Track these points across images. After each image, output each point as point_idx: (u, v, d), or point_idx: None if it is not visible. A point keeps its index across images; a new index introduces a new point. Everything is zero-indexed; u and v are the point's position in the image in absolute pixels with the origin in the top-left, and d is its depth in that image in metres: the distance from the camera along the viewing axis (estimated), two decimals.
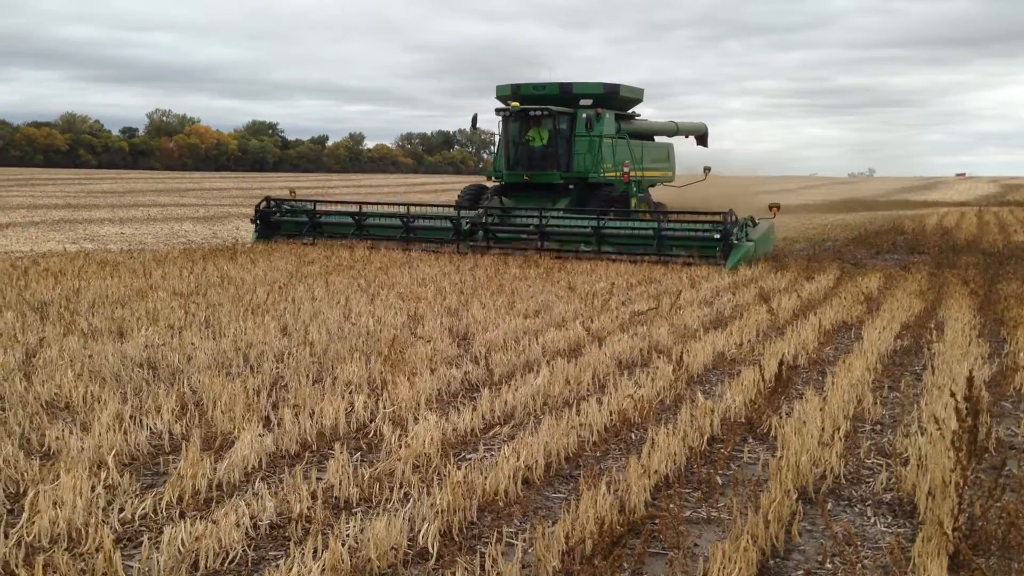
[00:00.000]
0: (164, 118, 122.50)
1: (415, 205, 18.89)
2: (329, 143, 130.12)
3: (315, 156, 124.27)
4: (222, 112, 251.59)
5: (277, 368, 7.30)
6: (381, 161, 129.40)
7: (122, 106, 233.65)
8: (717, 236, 15.29)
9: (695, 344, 8.47)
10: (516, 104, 19.60)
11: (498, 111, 19.95)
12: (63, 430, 5.42)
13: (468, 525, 4.42)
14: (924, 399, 6.58)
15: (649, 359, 8.02)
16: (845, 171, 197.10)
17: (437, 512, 4.36)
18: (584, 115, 19.49)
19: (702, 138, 25.89)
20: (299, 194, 21.22)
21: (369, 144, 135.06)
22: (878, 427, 6.28)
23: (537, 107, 19.55)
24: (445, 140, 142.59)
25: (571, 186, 19.65)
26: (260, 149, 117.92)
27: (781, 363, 6.46)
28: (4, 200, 34.93)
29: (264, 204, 18.86)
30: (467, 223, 17.25)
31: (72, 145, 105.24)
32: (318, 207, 18.83)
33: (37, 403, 6.09)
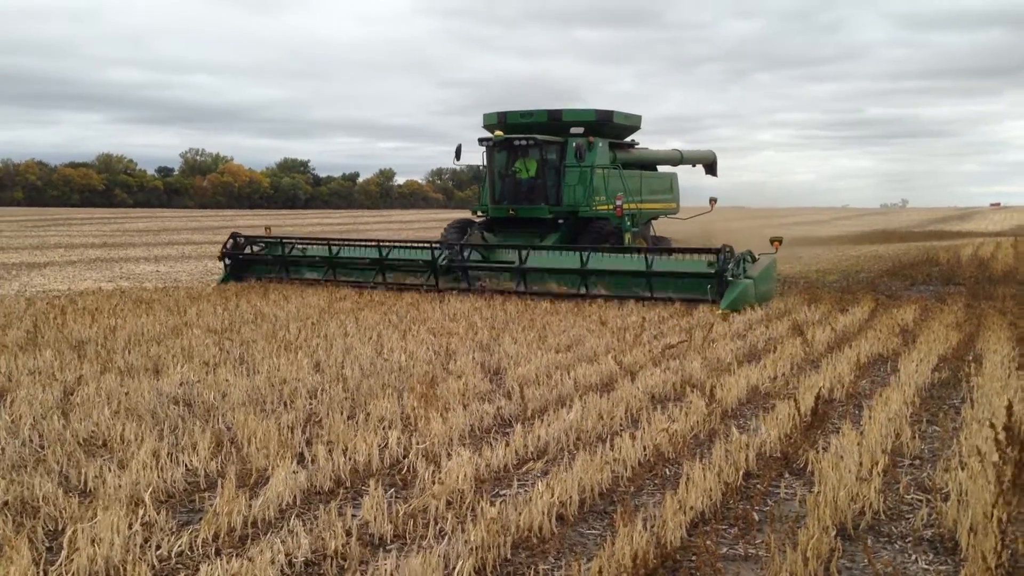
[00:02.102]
0: (198, 157, 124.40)
1: (390, 242, 17.09)
2: (360, 180, 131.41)
3: (346, 193, 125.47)
4: (255, 150, 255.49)
5: (311, 404, 7.34)
6: (411, 197, 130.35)
7: (159, 146, 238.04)
8: (711, 273, 13.81)
9: (728, 378, 8.40)
10: (500, 133, 18.42)
11: (481, 141, 18.62)
12: (101, 467, 5.47)
13: (503, 562, 4.40)
14: (963, 433, 6.47)
15: (682, 393, 7.97)
16: (878, 202, 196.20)
17: (472, 549, 4.35)
18: (575, 144, 18.00)
19: (711, 167, 24.27)
20: (329, 231, 21.05)
21: (399, 180, 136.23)
22: (917, 462, 6.18)
23: (523, 136, 18.21)
24: (475, 175, 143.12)
25: (561, 221, 18.21)
26: (292, 186, 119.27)
27: (817, 397, 6.40)
28: (42, 239, 35.57)
29: (231, 242, 17.72)
30: (443, 260, 15.96)
31: (108, 185, 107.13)
32: (293, 245, 17.59)
33: (75, 441, 6.17)
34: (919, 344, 10.46)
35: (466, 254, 16.11)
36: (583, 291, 14.65)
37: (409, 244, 17.25)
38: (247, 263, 17.72)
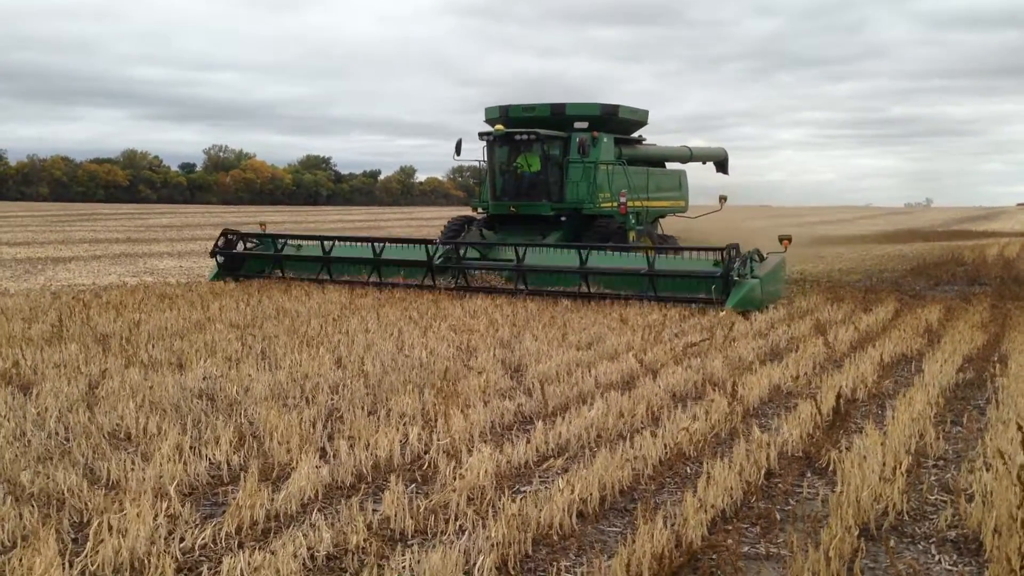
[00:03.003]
0: (221, 154, 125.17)
1: (384, 240, 16.56)
2: (381, 177, 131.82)
3: (367, 189, 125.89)
4: (278, 147, 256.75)
5: (332, 400, 7.37)
6: (432, 194, 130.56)
7: (182, 143, 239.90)
8: (716, 273, 13.20)
9: (750, 376, 8.37)
10: (500, 127, 17.72)
11: (481, 135, 18.04)
12: (125, 460, 5.52)
13: (523, 558, 4.41)
14: (988, 434, 6.42)
15: (703, 392, 7.94)
16: (901, 201, 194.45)
17: (492, 545, 4.36)
18: (578, 139, 17.44)
19: (722, 165, 23.57)
20: (351, 227, 20.76)
21: (421, 177, 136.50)
22: (941, 462, 6.13)
23: (524, 131, 17.62)
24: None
25: (563, 218, 17.70)
26: (313, 183, 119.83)
27: (839, 396, 6.36)
28: (68, 234, 35.92)
29: (223, 240, 17.19)
30: (440, 258, 15.35)
31: (132, 181, 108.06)
32: (286, 242, 17.18)
33: (100, 434, 6.23)
34: (943, 344, 10.38)
35: (463, 252, 15.61)
36: (582, 290, 14.10)
37: (405, 242, 16.92)
38: (240, 260, 17.22)
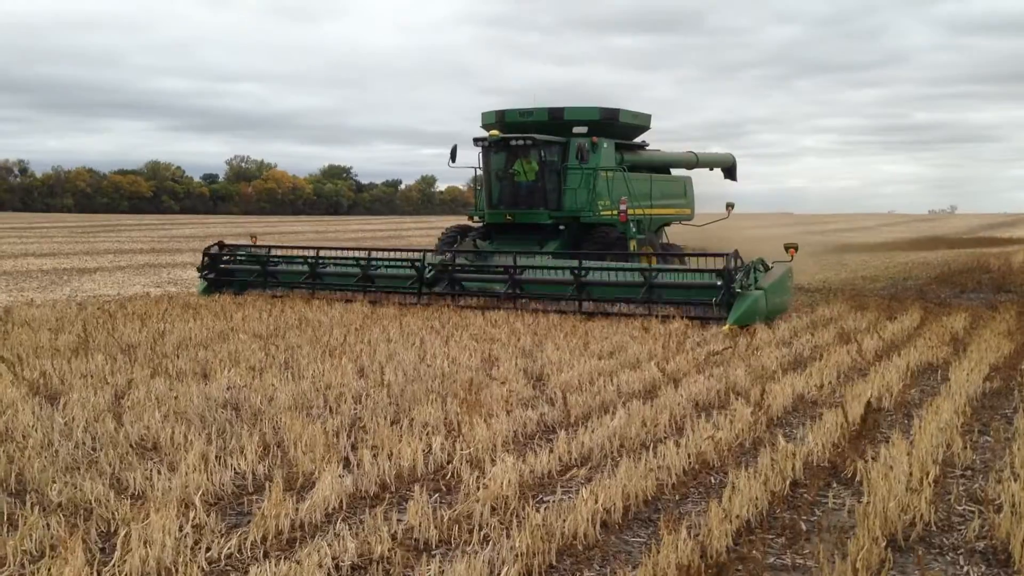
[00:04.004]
0: (243, 164, 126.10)
1: (380, 250, 16.20)
2: (402, 186, 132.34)
3: (388, 199, 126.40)
4: (299, 157, 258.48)
5: (355, 409, 7.40)
6: (453, 203, 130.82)
7: (205, 153, 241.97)
8: (717, 283, 12.43)
9: (774, 385, 8.32)
10: (495, 133, 17.20)
11: (476, 141, 17.30)
12: (151, 470, 5.57)
13: (548, 569, 4.40)
14: (1016, 443, 6.34)
15: (726, 401, 7.91)
16: (925, 207, 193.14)
17: (517, 555, 4.36)
18: (577, 144, 16.77)
19: (730, 171, 23.02)
20: (372, 236, 20.48)
21: (441, 186, 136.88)
22: (968, 472, 6.07)
23: (520, 136, 16.94)
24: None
25: (562, 227, 17.07)
26: (334, 193, 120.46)
27: (868, 405, 6.32)
28: (92, 245, 36.27)
29: (215, 250, 16.67)
30: (431, 270, 14.71)
31: (156, 192, 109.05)
32: (273, 253, 16.66)
33: (126, 443, 6.28)
34: (970, 353, 10.28)
35: (456, 264, 14.91)
36: (577, 303, 13.51)
37: (395, 253, 16.26)
38: (229, 274, 16.60)
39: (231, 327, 11.83)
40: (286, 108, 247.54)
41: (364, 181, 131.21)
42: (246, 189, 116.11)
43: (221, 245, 16.92)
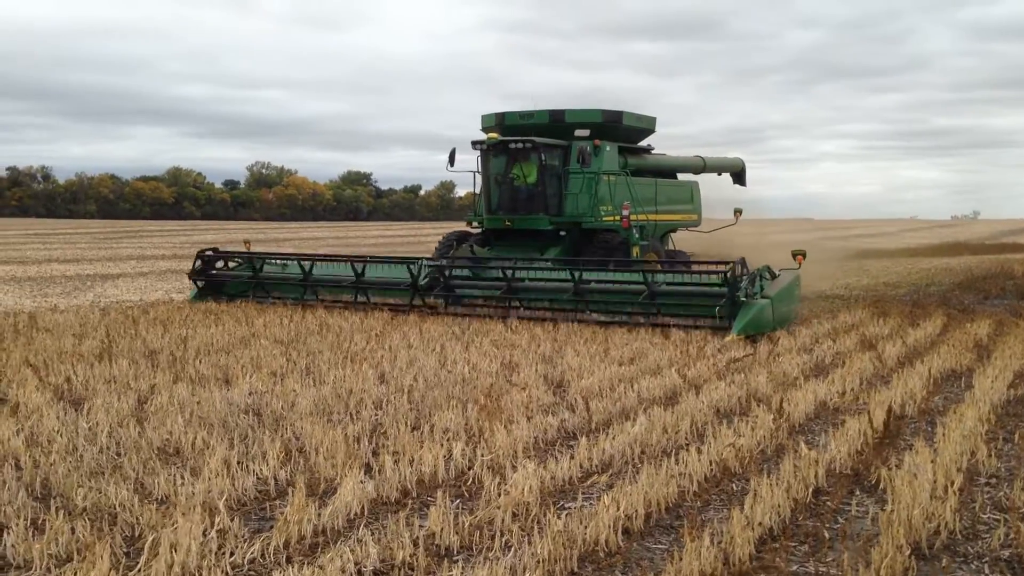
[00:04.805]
0: (264, 170, 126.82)
1: (371, 259, 15.67)
2: (422, 192, 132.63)
3: (408, 205, 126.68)
4: (319, 163, 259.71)
5: (376, 415, 7.42)
6: (472, 208, 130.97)
7: (226, 159, 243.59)
8: (721, 291, 12.07)
9: (795, 392, 8.28)
10: (494, 136, 16.77)
11: (474, 144, 16.87)
12: (175, 475, 5.61)
13: (569, 575, 4.39)
14: None
15: (748, 407, 7.87)
16: (947, 213, 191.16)
17: (538, 561, 4.36)
18: (578, 148, 16.30)
19: (739, 176, 22.37)
20: (391, 242, 20.19)
21: (460, 192, 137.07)
22: (993, 480, 6.02)
23: (519, 139, 16.45)
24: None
25: (563, 233, 16.69)
26: (354, 199, 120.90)
27: (889, 412, 6.28)
28: (115, 251, 36.58)
29: (204, 258, 16.27)
30: (425, 277, 14.29)
31: (177, 198, 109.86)
32: (266, 262, 16.30)
33: (150, 448, 6.32)
34: (994, 360, 10.19)
35: (451, 271, 14.57)
36: (577, 312, 13.20)
37: (390, 260, 15.82)
38: (221, 281, 16.32)
39: (252, 333, 11.89)
40: (307, 114, 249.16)
41: (384, 187, 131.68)
42: (267, 195, 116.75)
43: (208, 251, 16.53)
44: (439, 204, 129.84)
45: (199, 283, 16.22)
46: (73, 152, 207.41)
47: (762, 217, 22.06)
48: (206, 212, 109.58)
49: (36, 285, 20.92)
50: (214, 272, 16.43)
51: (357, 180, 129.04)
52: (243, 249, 17.17)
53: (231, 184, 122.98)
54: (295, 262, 16.03)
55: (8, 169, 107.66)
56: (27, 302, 16.88)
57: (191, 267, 16.51)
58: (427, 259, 15.17)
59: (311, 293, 15.38)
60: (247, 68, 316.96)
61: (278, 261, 16.67)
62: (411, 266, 14.52)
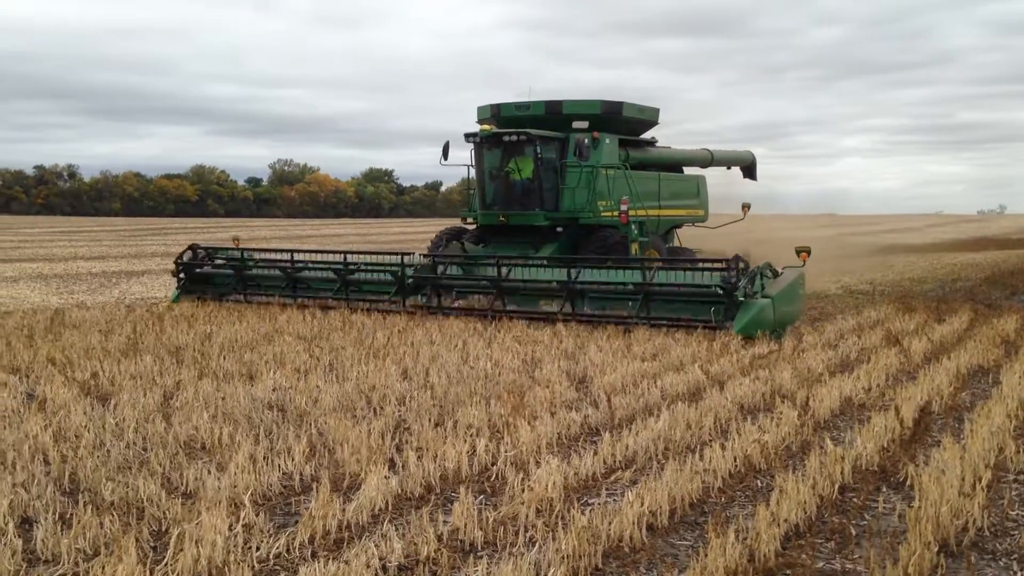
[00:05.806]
0: (286, 168, 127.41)
1: (360, 253, 15.16)
2: (443, 188, 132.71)
3: (429, 201, 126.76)
4: (341, 161, 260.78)
5: (399, 411, 7.44)
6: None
7: (249, 157, 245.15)
8: (720, 291, 11.40)
9: (821, 388, 8.23)
10: (487, 128, 16.01)
11: (468, 137, 16.19)
12: (201, 470, 5.65)
13: (594, 571, 4.39)
14: None
15: (772, 404, 7.83)
16: (973, 208, 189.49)
17: (563, 557, 4.35)
18: (575, 140, 15.62)
19: (749, 170, 21.51)
20: (413, 238, 19.36)
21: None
22: (1022, 476, 5.95)
23: (513, 131, 15.76)
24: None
25: (559, 229, 16.00)
26: (376, 196, 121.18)
27: (922, 410, 6.22)
28: (139, 248, 36.89)
29: (190, 255, 15.61)
30: (411, 276, 13.75)
31: (201, 196, 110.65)
32: (252, 257, 15.54)
33: (176, 443, 6.37)
34: (1022, 355, 10.08)
35: (440, 269, 13.97)
36: (570, 312, 12.47)
37: (377, 256, 15.23)
38: (204, 279, 15.58)
39: (276, 329, 11.95)
40: (329, 112, 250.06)
41: (405, 184, 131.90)
42: (289, 192, 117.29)
43: (193, 248, 15.87)
44: (460, 201, 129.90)
45: (180, 278, 15.52)
46: (98, 151, 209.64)
47: (781, 213, 21.56)
48: (229, 209, 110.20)
49: (62, 282, 21.13)
50: (199, 271, 15.66)
51: (379, 177, 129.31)
52: (231, 245, 16.26)
53: (254, 182, 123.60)
54: (281, 261, 15.37)
55: (35, 168, 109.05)
56: (54, 299, 17.05)
57: (175, 262, 15.76)
58: (417, 254, 14.43)
59: (291, 290, 14.82)
60: (269, 67, 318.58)
61: (260, 258, 15.83)
62: (399, 265, 13.89)
